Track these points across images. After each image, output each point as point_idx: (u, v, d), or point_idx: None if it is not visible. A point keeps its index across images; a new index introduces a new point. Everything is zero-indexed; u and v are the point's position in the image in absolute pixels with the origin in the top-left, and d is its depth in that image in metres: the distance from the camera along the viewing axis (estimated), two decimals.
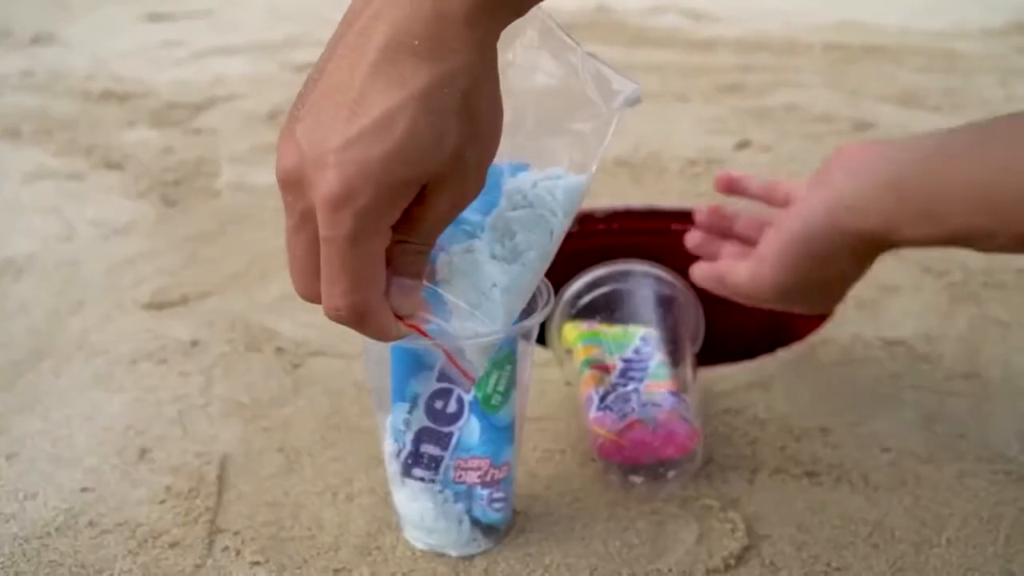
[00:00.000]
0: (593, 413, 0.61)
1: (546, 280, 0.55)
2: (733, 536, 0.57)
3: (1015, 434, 0.66)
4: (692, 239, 0.71)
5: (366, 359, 0.56)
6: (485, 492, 0.56)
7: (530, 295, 0.48)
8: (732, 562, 0.55)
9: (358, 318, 0.41)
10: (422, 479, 0.55)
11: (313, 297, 0.43)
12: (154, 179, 1.16)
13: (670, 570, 0.55)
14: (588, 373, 0.64)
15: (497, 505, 0.56)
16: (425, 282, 0.44)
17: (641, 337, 0.65)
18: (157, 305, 0.87)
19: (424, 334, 0.45)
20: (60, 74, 1.61)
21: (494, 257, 0.46)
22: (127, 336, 0.81)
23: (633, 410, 0.59)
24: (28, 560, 0.57)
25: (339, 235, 0.39)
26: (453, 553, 0.57)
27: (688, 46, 1.77)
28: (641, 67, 1.61)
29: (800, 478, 0.63)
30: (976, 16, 1.90)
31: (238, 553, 0.57)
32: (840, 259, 0.60)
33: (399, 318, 0.43)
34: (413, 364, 0.53)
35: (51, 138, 1.31)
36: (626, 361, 0.63)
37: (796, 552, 0.56)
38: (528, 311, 0.54)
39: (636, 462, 0.60)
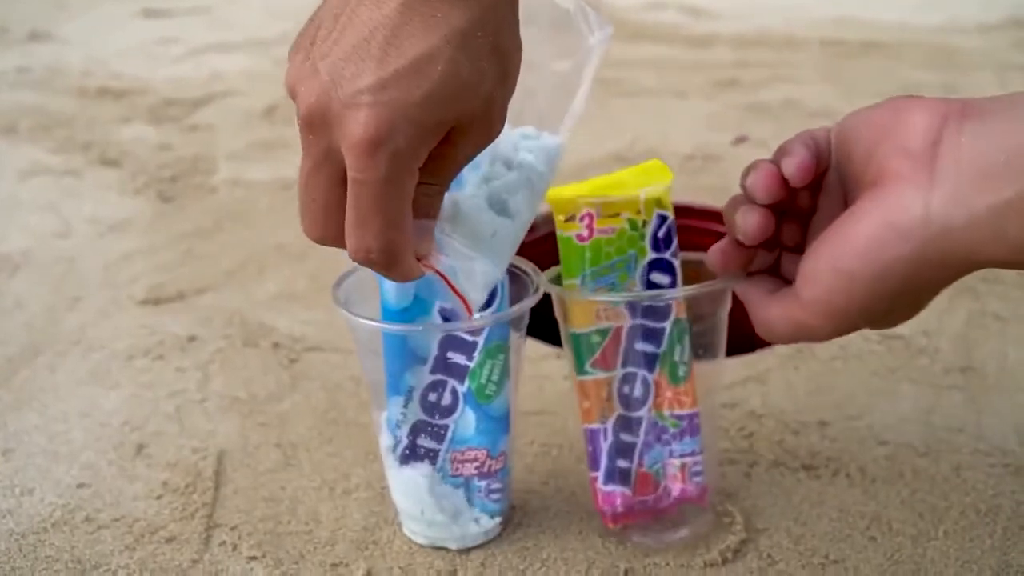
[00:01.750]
0: (601, 482, 0.55)
1: (536, 268, 0.55)
2: (731, 529, 0.57)
3: (1012, 427, 0.66)
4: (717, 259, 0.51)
5: (360, 354, 0.56)
6: (483, 483, 0.55)
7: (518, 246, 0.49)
8: (729, 555, 0.55)
9: (389, 259, 0.40)
10: (419, 472, 0.55)
11: (328, 239, 0.42)
12: (151, 176, 1.16)
13: (667, 564, 0.55)
14: (590, 378, 0.54)
15: (495, 496, 0.56)
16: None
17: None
18: (154, 301, 0.86)
19: (439, 272, 0.45)
20: (57, 71, 1.61)
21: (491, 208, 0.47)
22: (124, 332, 0.81)
23: (642, 464, 0.55)
24: (24, 555, 0.57)
25: (374, 177, 0.38)
26: (451, 546, 0.56)
27: (686, 42, 1.77)
28: (639, 63, 1.61)
29: (797, 471, 0.63)
30: (973, 12, 1.90)
31: (235, 548, 0.57)
32: (928, 291, 0.43)
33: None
34: (407, 358, 0.53)
35: (48, 135, 1.31)
36: (637, 313, 0.53)
37: (793, 545, 0.56)
38: (517, 298, 0.54)
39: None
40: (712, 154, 1.19)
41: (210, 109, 1.42)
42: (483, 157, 0.47)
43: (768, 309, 0.46)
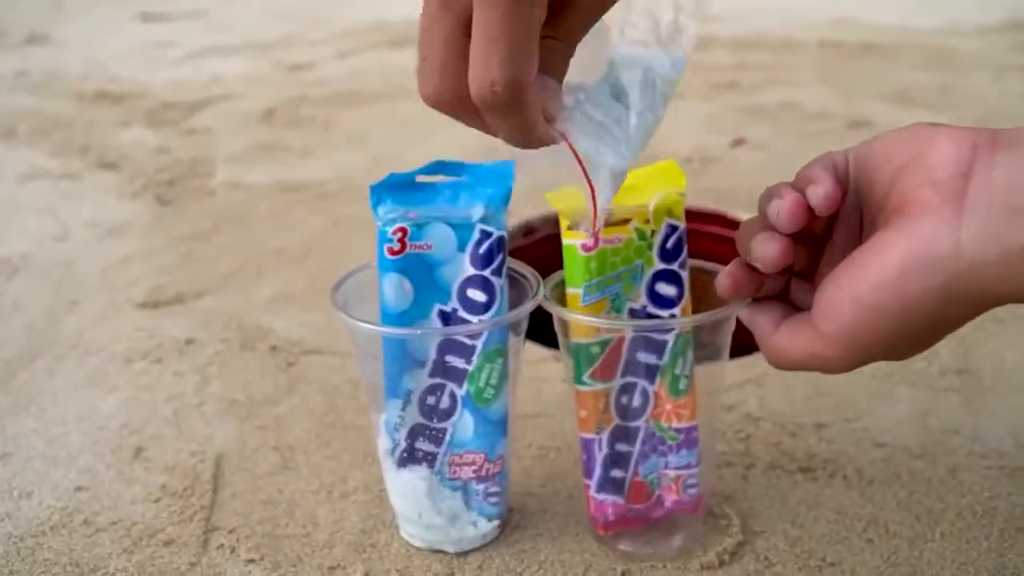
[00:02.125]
0: (594, 491, 0.55)
1: (535, 272, 0.55)
2: (727, 532, 0.57)
3: (1008, 430, 0.66)
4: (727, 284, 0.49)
5: (359, 357, 0.56)
6: (480, 487, 0.56)
7: (644, 147, 0.46)
8: (726, 558, 0.55)
9: (514, 96, 0.38)
10: (417, 475, 0.55)
11: (447, 97, 0.40)
12: (149, 179, 1.16)
13: (664, 567, 0.55)
14: (587, 388, 0.53)
15: (493, 499, 0.56)
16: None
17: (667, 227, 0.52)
18: (152, 304, 0.87)
19: (567, 140, 0.43)
20: (55, 74, 1.61)
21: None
22: (122, 335, 0.81)
23: (637, 473, 0.55)
24: (23, 559, 0.57)
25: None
26: (449, 549, 0.57)
27: None
28: None
29: (794, 473, 0.63)
30: (971, 14, 1.90)
31: (233, 551, 0.57)
32: (952, 325, 0.42)
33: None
34: (406, 361, 0.53)
35: (46, 138, 1.31)
36: (638, 316, 0.53)
37: (790, 547, 0.56)
38: (516, 302, 0.54)
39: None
40: (710, 156, 1.20)
41: (208, 112, 1.42)
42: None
43: (780, 337, 0.44)
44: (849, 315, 0.40)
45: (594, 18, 0.41)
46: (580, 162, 0.44)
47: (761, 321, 0.46)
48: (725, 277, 0.47)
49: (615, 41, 0.46)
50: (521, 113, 0.39)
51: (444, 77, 0.39)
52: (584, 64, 0.45)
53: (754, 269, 0.46)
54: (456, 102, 0.40)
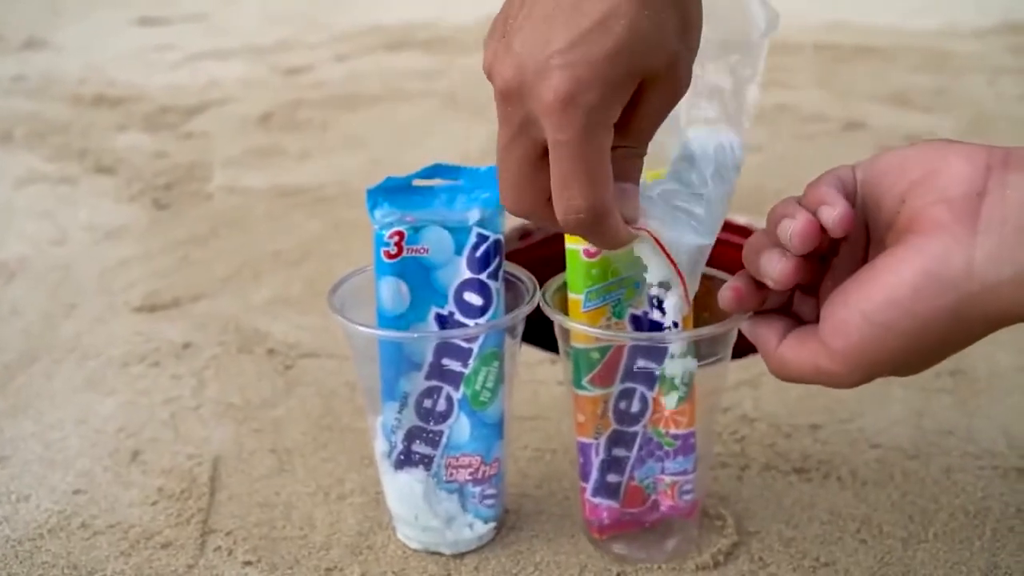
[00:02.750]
0: (590, 494, 0.55)
1: (531, 276, 0.55)
2: (722, 533, 0.58)
3: (1002, 430, 0.67)
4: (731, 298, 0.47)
5: (356, 360, 0.56)
6: (477, 489, 0.56)
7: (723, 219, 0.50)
8: (721, 559, 0.56)
9: (597, 219, 0.42)
10: (414, 478, 0.55)
11: (525, 210, 0.44)
12: (146, 183, 1.16)
13: (659, 568, 0.55)
14: (586, 394, 0.53)
15: (489, 502, 0.56)
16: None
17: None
18: (149, 308, 0.87)
19: (652, 235, 0.46)
20: (52, 78, 1.61)
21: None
22: (119, 339, 0.81)
23: (633, 478, 0.55)
24: (21, 562, 0.57)
25: (572, 135, 0.40)
26: (445, 551, 0.57)
27: None
28: None
29: (789, 474, 0.63)
30: (968, 16, 1.90)
31: (230, 553, 0.57)
32: (960, 344, 0.42)
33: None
34: (402, 364, 0.54)
35: (43, 142, 1.31)
36: (637, 324, 0.53)
37: (784, 548, 0.57)
38: (513, 306, 0.54)
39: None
40: None
41: (206, 116, 1.42)
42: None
43: (786, 350, 0.44)
44: (858, 332, 0.40)
45: (660, 120, 0.44)
46: (666, 252, 0.47)
47: (765, 334, 0.46)
48: (728, 291, 0.47)
49: (683, 123, 0.49)
50: (605, 229, 0.43)
51: (522, 195, 0.44)
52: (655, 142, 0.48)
53: (758, 283, 0.46)
54: (535, 214, 0.45)
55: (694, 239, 0.48)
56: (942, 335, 0.39)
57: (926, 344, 0.40)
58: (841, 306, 0.41)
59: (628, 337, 0.52)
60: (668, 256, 0.47)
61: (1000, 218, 0.38)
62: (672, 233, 0.47)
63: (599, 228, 0.43)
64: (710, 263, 0.56)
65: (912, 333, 0.39)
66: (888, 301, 0.39)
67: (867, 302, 0.40)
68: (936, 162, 0.41)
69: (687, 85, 0.43)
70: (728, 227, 0.96)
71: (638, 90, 0.41)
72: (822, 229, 0.43)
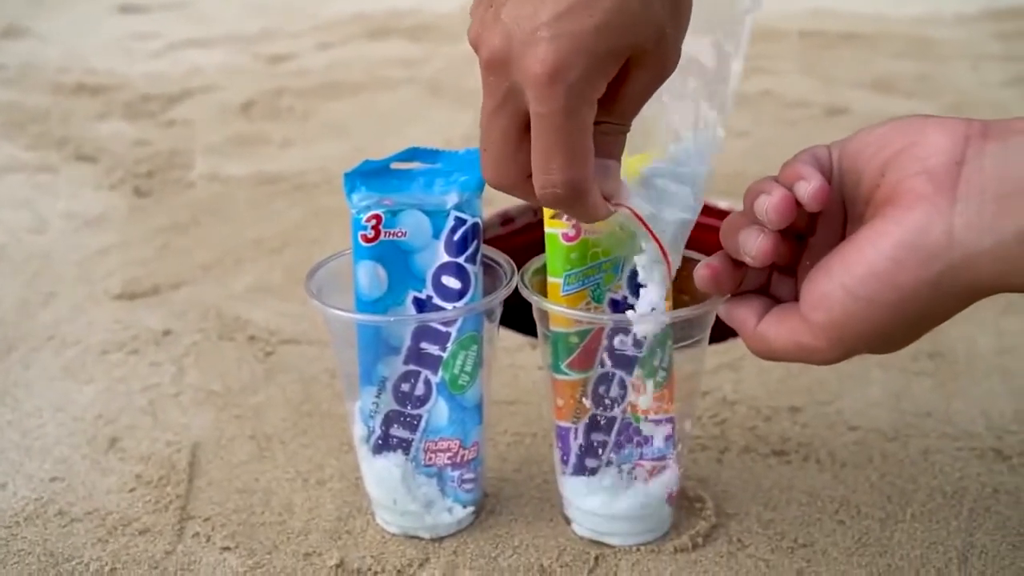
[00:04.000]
0: (569, 475, 0.55)
1: (509, 259, 0.55)
2: (701, 515, 0.58)
3: (980, 412, 0.67)
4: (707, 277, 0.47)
5: (334, 345, 0.56)
6: (456, 473, 0.56)
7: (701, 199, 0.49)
8: (700, 540, 0.56)
9: (575, 194, 0.42)
10: (392, 462, 0.55)
11: (506, 182, 0.44)
12: (127, 171, 1.15)
13: (638, 549, 0.55)
14: (564, 378, 0.53)
15: (468, 486, 0.56)
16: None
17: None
18: (129, 295, 0.86)
19: (634, 212, 0.46)
20: (32, 67, 1.60)
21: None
22: (98, 327, 0.81)
23: (611, 462, 0.55)
24: None
25: (555, 108, 0.40)
26: (424, 535, 0.57)
27: None
28: None
29: (768, 457, 0.63)
30: (950, 3, 1.91)
31: (208, 539, 0.57)
32: (942, 317, 0.41)
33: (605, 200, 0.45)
34: (380, 348, 0.53)
35: (23, 131, 1.30)
36: (617, 309, 0.53)
37: (763, 530, 0.57)
38: (491, 289, 0.54)
39: None
40: None
41: (187, 104, 1.41)
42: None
43: (766, 327, 0.44)
44: (840, 306, 0.40)
45: (646, 97, 0.43)
46: (648, 228, 0.47)
47: (743, 313, 0.46)
48: (704, 268, 0.46)
49: (664, 98, 0.49)
50: (584, 204, 0.43)
51: (503, 167, 0.43)
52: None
53: (736, 263, 0.46)
54: (516, 188, 0.44)
55: (677, 214, 0.48)
56: (923, 307, 0.39)
57: (907, 316, 0.40)
58: (823, 280, 0.41)
59: (606, 319, 0.52)
60: (651, 232, 0.47)
61: (979, 187, 0.38)
62: (655, 208, 0.47)
63: (578, 203, 0.42)
64: (692, 247, 0.56)
65: (894, 305, 0.39)
66: (870, 273, 0.39)
67: (848, 276, 0.40)
68: (914, 135, 0.41)
69: (675, 64, 0.43)
70: (710, 211, 0.96)
71: (624, 66, 0.41)
72: (798, 204, 0.43)
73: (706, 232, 0.69)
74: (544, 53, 0.39)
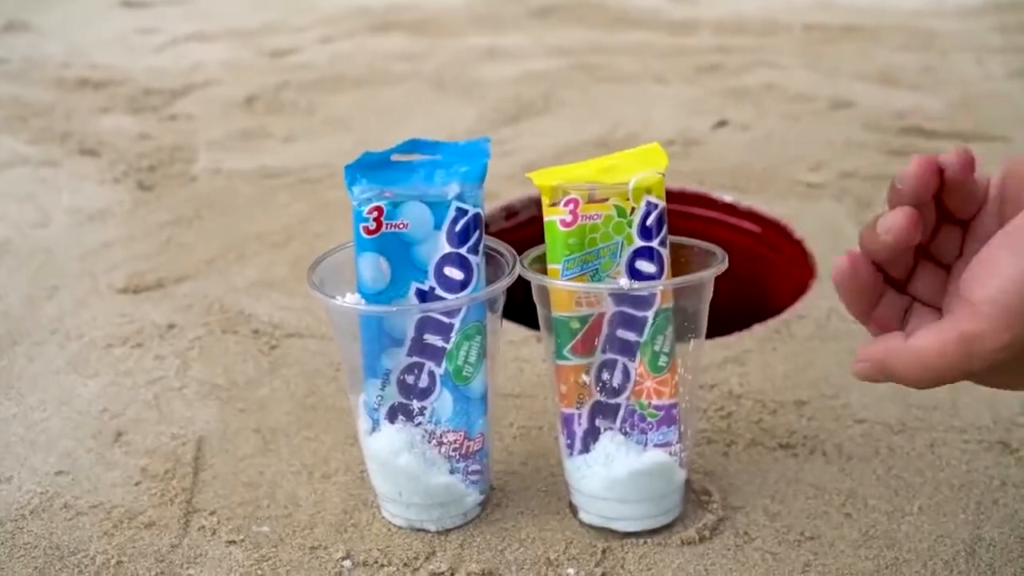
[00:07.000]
0: (573, 460, 0.55)
1: (511, 249, 0.55)
2: (708, 508, 0.58)
3: (986, 404, 0.67)
4: (847, 272, 0.46)
5: (337, 337, 0.55)
6: (461, 465, 0.56)
7: None
8: (707, 533, 0.56)
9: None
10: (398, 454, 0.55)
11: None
12: (130, 165, 1.15)
13: (645, 542, 0.55)
14: (567, 363, 0.54)
15: (474, 477, 0.56)
16: None
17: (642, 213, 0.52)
18: (133, 289, 0.86)
19: None
20: (35, 62, 1.60)
21: None
22: (102, 320, 0.81)
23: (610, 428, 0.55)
24: (2, 543, 0.56)
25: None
26: (430, 528, 0.57)
27: (668, 27, 1.76)
28: (621, 48, 1.61)
29: (775, 450, 0.63)
30: None
31: (214, 532, 0.57)
32: None
33: None
34: (384, 340, 0.53)
35: (26, 125, 1.30)
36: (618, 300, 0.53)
37: (770, 522, 0.57)
38: (494, 280, 0.54)
39: None
40: (693, 139, 1.20)
41: (190, 99, 1.41)
42: None
43: (917, 339, 0.41)
44: (1007, 267, 0.38)
45: None
46: None
47: (889, 338, 0.44)
48: (845, 267, 0.45)
49: None
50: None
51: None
52: None
53: (876, 267, 0.45)
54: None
55: None
56: None
57: None
58: (984, 252, 0.39)
59: (604, 288, 0.52)
60: None
61: None
62: None
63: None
64: (694, 236, 0.56)
65: None
66: None
67: (1016, 237, 0.38)
68: None
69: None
70: (713, 204, 0.96)
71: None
72: (939, 172, 0.42)
73: (709, 226, 0.70)
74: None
